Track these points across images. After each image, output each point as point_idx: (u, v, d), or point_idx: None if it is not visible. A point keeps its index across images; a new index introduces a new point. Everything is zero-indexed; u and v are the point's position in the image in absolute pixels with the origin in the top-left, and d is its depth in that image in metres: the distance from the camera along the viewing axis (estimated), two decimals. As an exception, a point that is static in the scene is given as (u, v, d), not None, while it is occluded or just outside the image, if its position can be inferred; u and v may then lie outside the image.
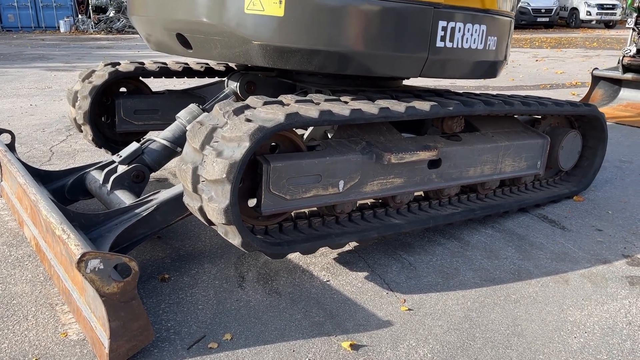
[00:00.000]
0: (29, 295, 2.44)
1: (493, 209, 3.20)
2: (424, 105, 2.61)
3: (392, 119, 2.48)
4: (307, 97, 2.53)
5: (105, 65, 3.77)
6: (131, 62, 3.82)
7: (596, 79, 6.67)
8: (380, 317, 2.32)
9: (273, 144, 2.44)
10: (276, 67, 2.58)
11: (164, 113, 3.88)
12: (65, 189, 3.10)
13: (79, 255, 1.81)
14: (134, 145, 2.99)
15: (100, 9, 20.98)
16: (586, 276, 2.70)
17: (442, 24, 2.62)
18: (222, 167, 2.09)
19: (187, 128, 3.09)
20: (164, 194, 2.69)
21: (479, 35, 2.80)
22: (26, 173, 2.71)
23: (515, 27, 18.43)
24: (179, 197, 2.63)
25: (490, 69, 3.04)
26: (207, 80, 4.15)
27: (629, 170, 4.48)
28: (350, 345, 2.10)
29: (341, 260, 2.78)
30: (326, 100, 2.50)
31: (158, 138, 3.08)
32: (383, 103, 2.53)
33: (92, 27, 19.96)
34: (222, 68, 4.10)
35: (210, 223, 2.38)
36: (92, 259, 1.83)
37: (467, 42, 2.75)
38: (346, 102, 2.54)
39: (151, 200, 2.68)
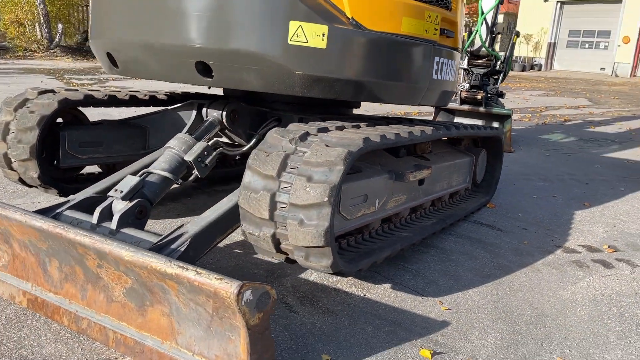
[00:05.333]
0: (71, 355, 2.11)
1: (452, 217, 3.69)
2: (429, 130, 2.98)
3: (420, 140, 2.80)
4: (346, 124, 2.70)
5: (41, 92, 3.33)
6: (77, 90, 3.45)
7: (437, 109, 7.86)
8: (434, 318, 2.57)
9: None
10: (309, 95, 2.69)
11: (107, 145, 3.55)
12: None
13: (237, 288, 1.72)
14: (133, 179, 2.73)
15: None
16: (547, 264, 3.32)
17: (436, 59, 3.03)
18: (321, 190, 2.15)
19: (184, 158, 2.95)
20: (193, 228, 2.55)
21: (452, 69, 3.28)
22: (36, 215, 2.31)
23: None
24: (208, 229, 2.55)
25: (449, 97, 3.55)
26: (143, 110, 3.91)
27: (503, 182, 5.45)
28: (431, 352, 2.29)
29: (360, 277, 2.94)
30: (367, 126, 2.70)
31: (156, 170, 2.87)
32: (414, 128, 2.84)
33: None
34: (164, 97, 3.92)
35: (278, 250, 2.38)
36: (246, 290, 1.75)
37: (447, 75, 3.22)
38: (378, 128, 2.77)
39: (181, 235, 2.52)
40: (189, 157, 2.95)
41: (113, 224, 2.60)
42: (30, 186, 3.36)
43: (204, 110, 3.30)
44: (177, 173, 2.93)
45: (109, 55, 2.99)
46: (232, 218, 2.70)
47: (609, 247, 3.67)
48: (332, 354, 2.22)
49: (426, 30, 2.90)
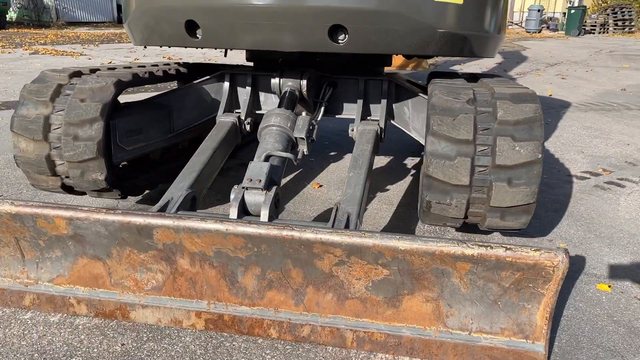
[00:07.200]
0: (324, 367, 1.89)
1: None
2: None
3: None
4: (465, 82, 2.68)
5: (72, 74, 2.68)
6: (99, 69, 2.83)
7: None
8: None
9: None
10: (439, 54, 2.61)
11: (145, 132, 3.02)
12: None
13: (566, 256, 1.71)
14: (264, 165, 2.39)
15: None
16: (581, 192, 3.75)
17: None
18: (532, 148, 2.17)
19: (291, 135, 2.67)
20: (352, 207, 2.38)
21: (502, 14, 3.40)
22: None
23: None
24: (361, 206, 2.43)
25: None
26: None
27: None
28: (609, 285, 2.53)
29: (465, 229, 3.02)
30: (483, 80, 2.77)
31: (275, 152, 2.55)
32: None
33: None
34: (184, 70, 3.41)
35: (464, 218, 2.36)
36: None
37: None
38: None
39: (348, 217, 2.33)
40: (299, 134, 2.69)
41: (263, 218, 2.31)
42: (76, 193, 2.74)
43: (274, 81, 2.97)
44: (289, 151, 2.66)
45: (188, 23, 2.51)
46: (365, 192, 2.59)
47: (603, 170, 4.26)
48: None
49: (506, -17, 2.97)
